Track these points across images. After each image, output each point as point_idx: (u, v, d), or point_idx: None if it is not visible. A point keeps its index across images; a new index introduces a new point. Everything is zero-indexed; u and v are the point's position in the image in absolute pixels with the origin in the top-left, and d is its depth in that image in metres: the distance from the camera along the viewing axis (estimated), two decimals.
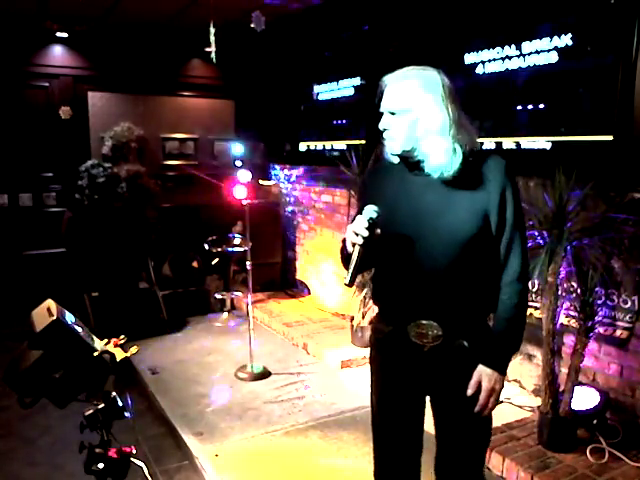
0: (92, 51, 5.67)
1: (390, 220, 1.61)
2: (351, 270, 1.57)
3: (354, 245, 1.57)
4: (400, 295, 1.70)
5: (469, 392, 1.64)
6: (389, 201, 1.66)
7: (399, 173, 1.70)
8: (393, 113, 1.60)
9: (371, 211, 1.55)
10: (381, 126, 1.64)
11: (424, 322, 1.65)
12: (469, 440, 1.77)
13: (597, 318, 2.74)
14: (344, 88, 4.92)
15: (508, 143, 3.33)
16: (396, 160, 1.67)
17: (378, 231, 1.56)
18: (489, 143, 3.41)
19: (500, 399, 1.70)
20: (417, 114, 1.57)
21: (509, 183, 1.61)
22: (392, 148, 1.64)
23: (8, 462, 2.93)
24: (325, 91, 5.21)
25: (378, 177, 1.82)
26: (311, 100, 5.39)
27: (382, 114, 1.64)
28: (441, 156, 1.56)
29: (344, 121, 4.97)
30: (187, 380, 3.80)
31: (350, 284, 1.59)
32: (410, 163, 1.66)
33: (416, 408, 1.84)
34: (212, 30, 3.67)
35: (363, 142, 4.59)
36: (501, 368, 1.66)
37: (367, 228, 1.53)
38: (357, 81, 4.75)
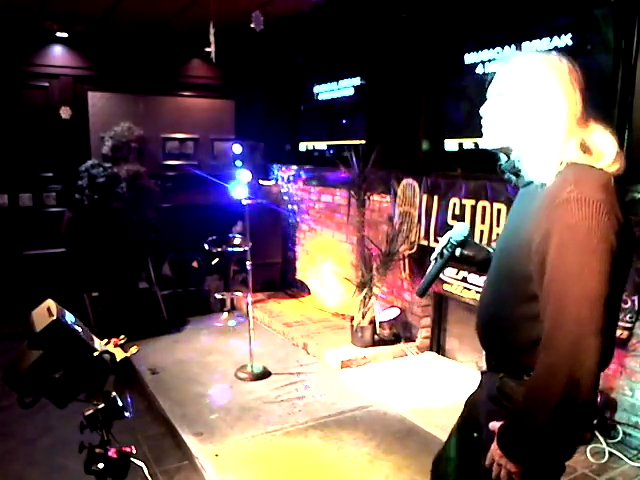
0: (92, 51, 5.67)
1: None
2: (424, 282, 1.61)
3: (435, 259, 1.57)
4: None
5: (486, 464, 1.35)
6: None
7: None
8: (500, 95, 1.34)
9: (459, 230, 1.54)
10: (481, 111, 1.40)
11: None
12: None
13: None
14: (344, 88, 4.92)
15: None
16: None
17: (460, 251, 1.53)
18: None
19: None
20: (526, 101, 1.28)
21: (565, 222, 1.19)
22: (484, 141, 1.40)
23: (8, 462, 2.93)
24: (325, 91, 5.21)
25: None
26: (311, 100, 5.39)
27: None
28: (535, 160, 1.28)
29: (344, 121, 4.98)
30: (187, 380, 3.80)
31: (420, 295, 1.62)
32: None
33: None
34: (212, 30, 3.67)
35: (363, 142, 4.60)
36: (508, 450, 1.29)
37: (445, 247, 1.53)
38: (357, 81, 4.76)
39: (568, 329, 1.17)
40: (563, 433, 1.22)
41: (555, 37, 3.02)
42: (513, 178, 1.40)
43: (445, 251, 1.55)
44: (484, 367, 1.53)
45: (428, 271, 1.59)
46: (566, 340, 1.17)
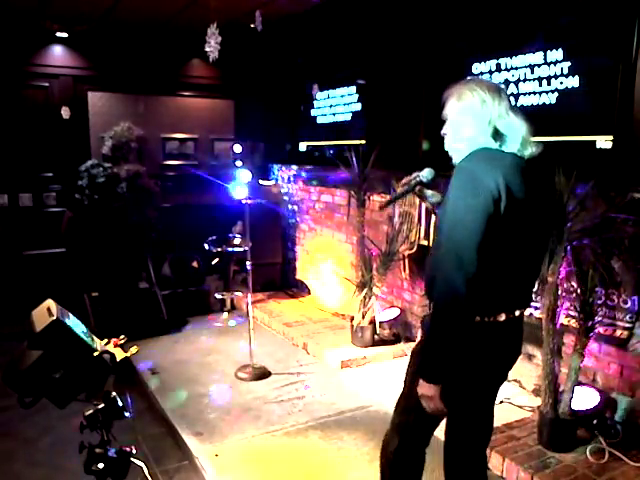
0: (92, 51, 5.67)
1: None
2: (388, 200, 2.26)
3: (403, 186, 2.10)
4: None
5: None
6: None
7: None
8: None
9: (426, 173, 1.98)
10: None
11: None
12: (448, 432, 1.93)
13: (597, 318, 2.73)
14: (344, 88, 4.92)
15: None
16: None
17: (421, 189, 2.01)
18: None
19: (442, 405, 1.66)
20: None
21: (451, 185, 1.65)
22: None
23: (8, 462, 2.93)
24: (325, 91, 5.20)
25: None
26: (311, 100, 5.38)
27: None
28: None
29: (344, 121, 4.97)
30: (187, 380, 3.80)
31: (382, 207, 2.29)
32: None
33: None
34: (212, 30, 3.66)
35: (363, 142, 4.60)
36: (420, 372, 1.69)
37: (413, 179, 2.01)
38: (358, 81, 4.75)
39: (443, 270, 1.58)
40: (447, 342, 1.61)
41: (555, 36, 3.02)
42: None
43: (413, 182, 2.02)
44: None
45: (394, 194, 2.28)
46: (442, 278, 1.59)
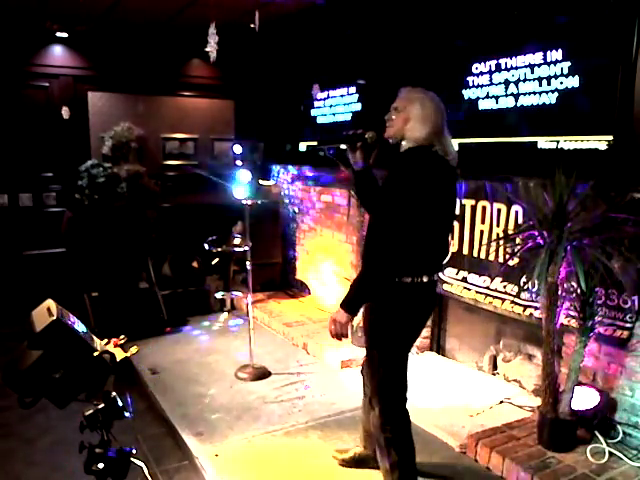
0: (92, 51, 5.67)
1: None
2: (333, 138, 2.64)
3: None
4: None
5: None
6: None
7: None
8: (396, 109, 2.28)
9: (370, 133, 2.35)
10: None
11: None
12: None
13: (597, 318, 2.73)
14: (344, 87, 4.91)
15: (512, 143, 3.34)
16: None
17: (360, 144, 2.37)
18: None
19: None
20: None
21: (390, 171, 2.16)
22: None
23: (8, 462, 2.93)
24: (325, 90, 5.20)
25: None
26: (311, 100, 5.38)
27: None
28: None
29: (344, 121, 4.97)
30: (187, 380, 3.80)
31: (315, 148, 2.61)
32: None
33: None
34: (213, 30, 3.67)
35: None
36: (343, 303, 2.20)
37: (356, 132, 2.37)
38: (358, 81, 4.75)
39: (372, 240, 2.16)
40: (370, 291, 2.19)
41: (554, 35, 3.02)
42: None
43: (355, 133, 2.38)
44: None
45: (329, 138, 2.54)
46: (370, 246, 2.17)
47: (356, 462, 2.72)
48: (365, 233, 2.30)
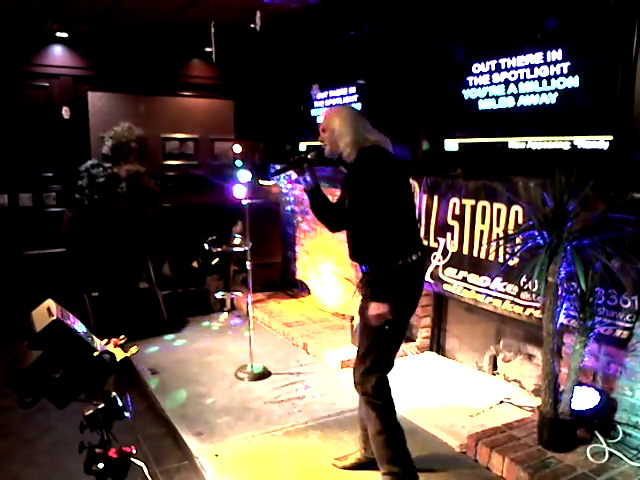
0: (92, 51, 5.67)
1: None
2: (278, 169, 2.73)
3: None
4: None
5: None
6: None
7: None
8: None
9: (312, 154, 2.55)
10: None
11: None
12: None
13: (597, 318, 2.73)
14: (344, 87, 4.91)
15: (513, 143, 3.34)
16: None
17: (308, 166, 2.55)
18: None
19: None
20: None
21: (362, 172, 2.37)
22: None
23: (8, 462, 2.93)
24: (325, 90, 5.20)
25: None
26: (311, 100, 5.38)
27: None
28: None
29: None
30: (187, 380, 3.80)
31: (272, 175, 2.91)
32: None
33: None
34: (213, 30, 3.67)
35: None
36: (376, 298, 2.36)
37: (301, 156, 2.57)
38: (358, 81, 4.75)
39: (372, 239, 2.34)
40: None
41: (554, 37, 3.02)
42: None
43: (300, 157, 2.56)
44: None
45: (281, 167, 2.69)
46: (373, 243, 2.34)
47: (358, 467, 2.72)
48: (349, 237, 2.55)
